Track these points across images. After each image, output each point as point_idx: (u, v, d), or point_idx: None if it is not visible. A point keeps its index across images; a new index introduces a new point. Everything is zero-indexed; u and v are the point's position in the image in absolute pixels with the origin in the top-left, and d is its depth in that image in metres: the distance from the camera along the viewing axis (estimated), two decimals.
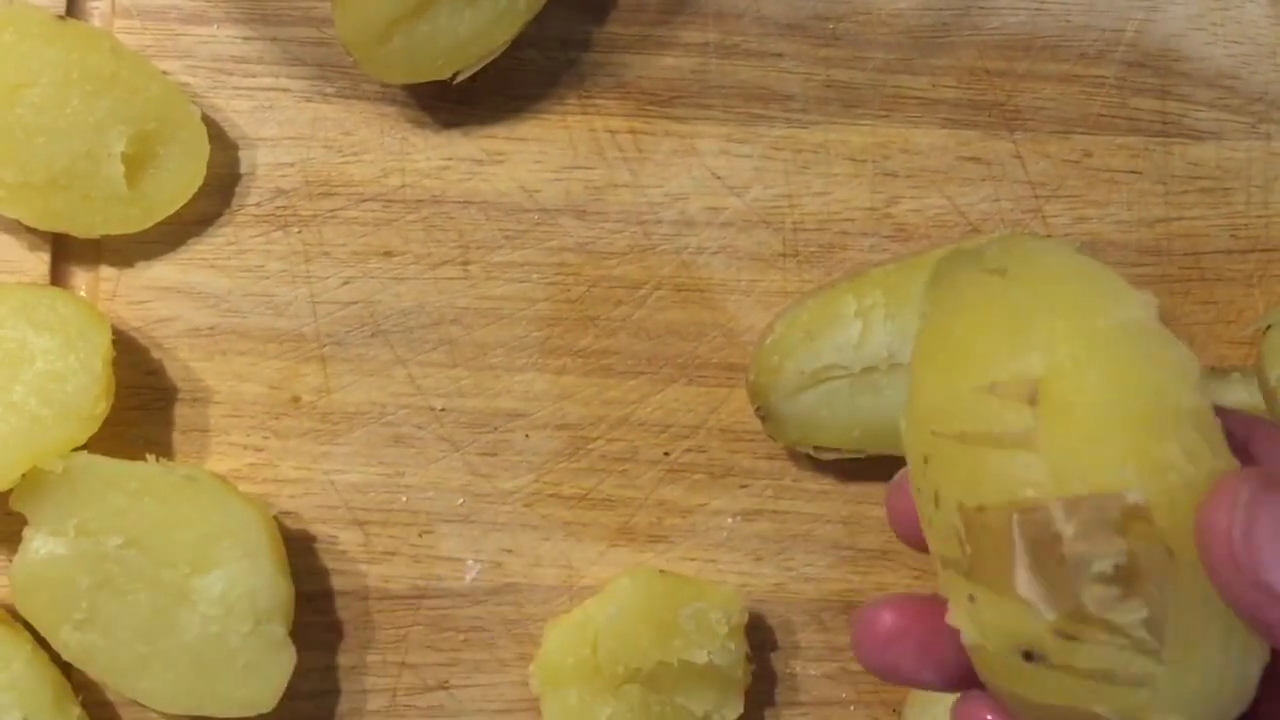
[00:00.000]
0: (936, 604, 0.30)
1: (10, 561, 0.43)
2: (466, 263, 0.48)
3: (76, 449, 0.43)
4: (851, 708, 0.47)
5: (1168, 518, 0.26)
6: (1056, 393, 0.27)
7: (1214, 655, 0.26)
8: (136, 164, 0.45)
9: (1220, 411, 0.28)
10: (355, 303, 0.48)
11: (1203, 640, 0.26)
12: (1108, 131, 0.50)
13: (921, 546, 0.31)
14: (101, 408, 0.43)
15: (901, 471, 0.32)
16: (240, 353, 0.47)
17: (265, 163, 0.48)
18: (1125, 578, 0.26)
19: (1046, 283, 0.29)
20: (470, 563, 0.47)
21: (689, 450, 0.48)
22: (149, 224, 0.46)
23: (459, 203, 0.48)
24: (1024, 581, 0.27)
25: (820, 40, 0.50)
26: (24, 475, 0.42)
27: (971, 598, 0.28)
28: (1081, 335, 0.28)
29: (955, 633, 0.29)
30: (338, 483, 0.47)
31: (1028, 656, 0.27)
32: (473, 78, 0.47)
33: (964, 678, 0.31)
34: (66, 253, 0.47)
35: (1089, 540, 0.26)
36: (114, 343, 0.44)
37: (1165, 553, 0.26)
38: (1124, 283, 0.29)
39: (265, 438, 0.47)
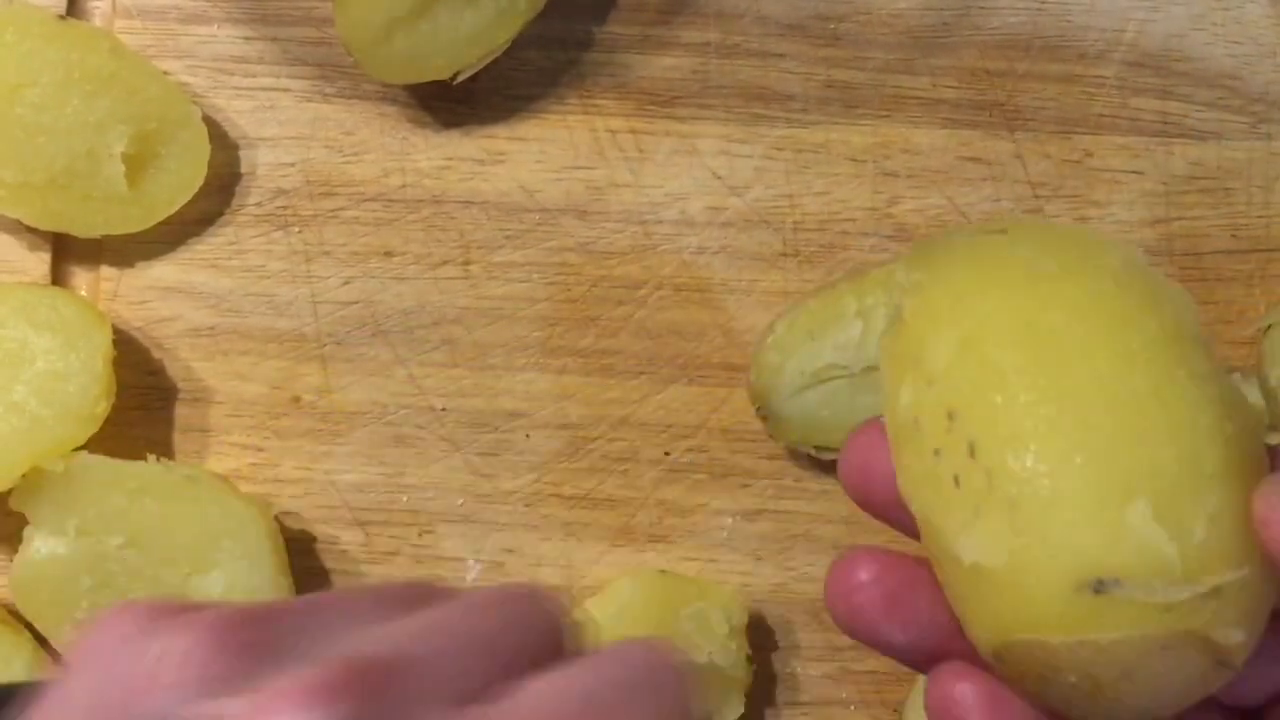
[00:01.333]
0: (916, 561, 0.30)
1: (10, 561, 0.43)
2: (467, 262, 0.48)
3: (77, 449, 0.43)
4: (852, 708, 0.47)
5: None
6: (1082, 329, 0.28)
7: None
8: (137, 164, 0.45)
9: None
10: (356, 302, 0.48)
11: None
12: (1109, 131, 0.50)
13: (879, 511, 0.31)
14: (102, 408, 0.43)
15: (860, 434, 0.32)
16: (241, 353, 0.47)
17: (266, 163, 0.48)
18: None
19: (1048, 235, 0.31)
20: (471, 563, 0.47)
21: (690, 450, 0.48)
22: (150, 224, 0.46)
23: (460, 203, 0.48)
24: None
25: (821, 40, 0.50)
26: (24, 475, 0.42)
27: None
28: (1087, 273, 0.29)
29: (929, 592, 0.30)
30: (338, 483, 0.47)
31: (1099, 588, 0.27)
32: (473, 78, 0.47)
33: (931, 645, 0.30)
34: (67, 253, 0.47)
35: None
36: (115, 343, 0.44)
37: None
38: (1113, 237, 0.31)
39: (266, 438, 0.47)
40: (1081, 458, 0.27)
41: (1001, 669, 0.29)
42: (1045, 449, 0.27)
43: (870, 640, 0.31)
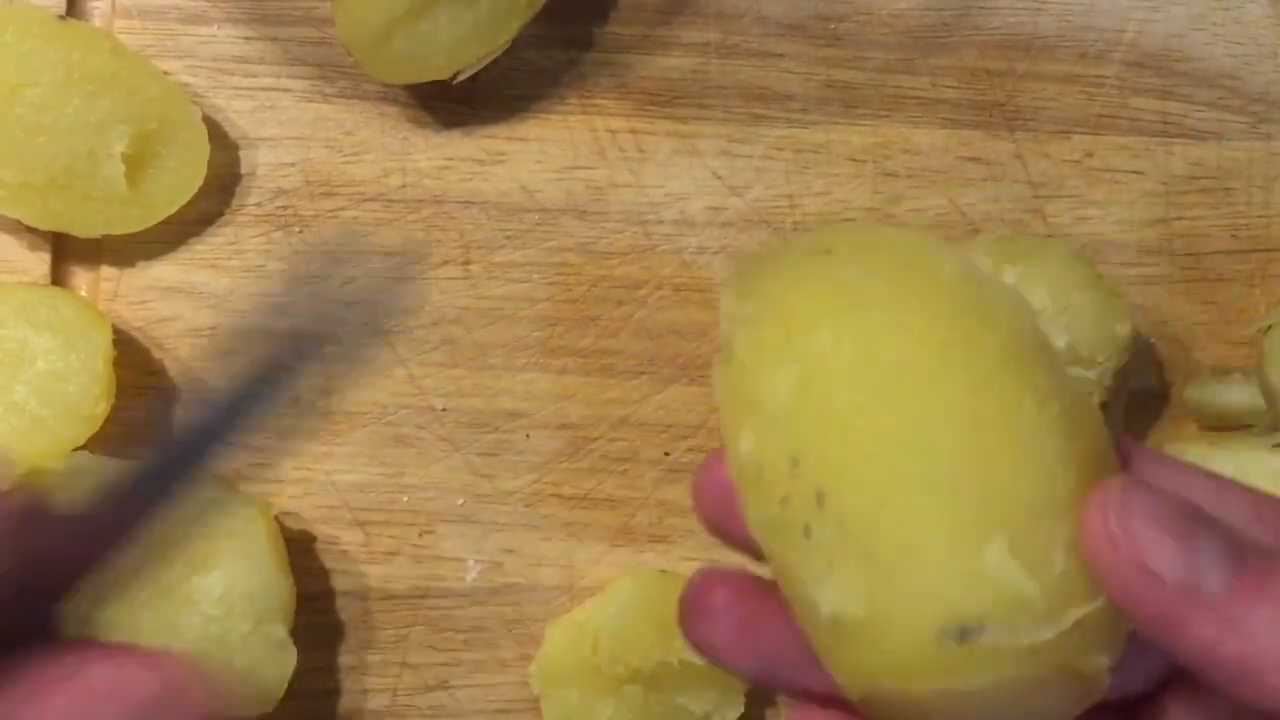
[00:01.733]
0: (766, 586, 0.30)
1: None
2: (467, 263, 0.48)
3: (77, 449, 0.43)
4: None
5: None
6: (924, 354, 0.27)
7: None
8: (137, 164, 0.45)
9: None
10: (356, 303, 0.48)
11: None
12: (1109, 131, 0.50)
13: (732, 537, 0.31)
14: (102, 408, 0.43)
15: (715, 463, 0.31)
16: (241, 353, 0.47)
17: (266, 163, 0.48)
18: None
19: (876, 252, 0.29)
20: (471, 563, 0.47)
21: (690, 450, 0.48)
22: (150, 224, 0.46)
23: (460, 203, 0.48)
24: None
25: (821, 40, 0.50)
26: (24, 475, 0.42)
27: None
28: (921, 294, 0.28)
29: (779, 621, 0.29)
30: (338, 483, 0.47)
31: (963, 635, 0.26)
32: (473, 78, 0.47)
33: (781, 676, 0.30)
34: (67, 253, 0.47)
35: None
36: (115, 343, 0.44)
37: None
38: (943, 243, 0.30)
39: (266, 438, 0.47)
40: (932, 500, 0.26)
41: (870, 713, 0.28)
42: (894, 494, 0.26)
43: (718, 663, 0.31)
